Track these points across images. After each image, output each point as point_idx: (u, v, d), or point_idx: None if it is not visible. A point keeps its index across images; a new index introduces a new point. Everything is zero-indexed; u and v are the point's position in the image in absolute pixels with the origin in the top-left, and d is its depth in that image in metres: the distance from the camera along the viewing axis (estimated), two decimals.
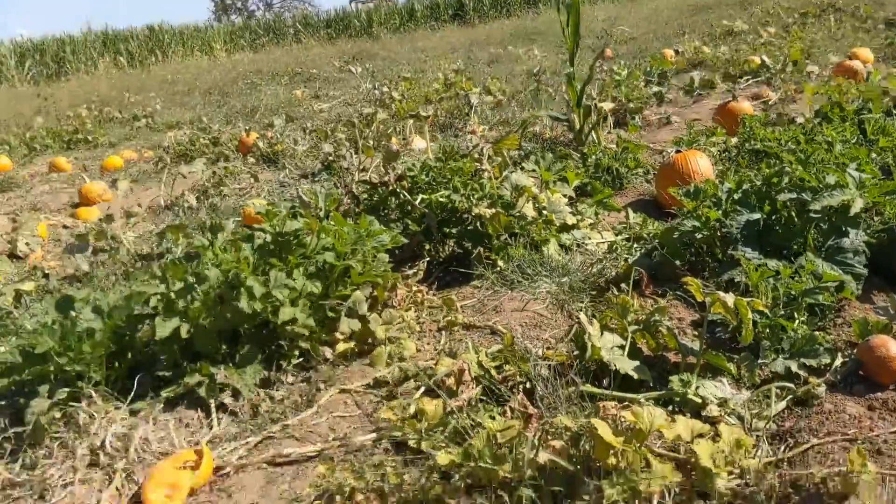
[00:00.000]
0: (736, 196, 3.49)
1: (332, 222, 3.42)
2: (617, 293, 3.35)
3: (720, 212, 3.42)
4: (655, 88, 8.27)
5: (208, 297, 3.05)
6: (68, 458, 2.70)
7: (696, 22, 15.26)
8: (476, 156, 4.68)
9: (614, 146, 5.67)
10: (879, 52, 9.44)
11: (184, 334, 2.95)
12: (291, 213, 3.31)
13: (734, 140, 5.58)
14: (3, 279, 4.44)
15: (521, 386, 2.63)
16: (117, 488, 2.56)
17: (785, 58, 8.92)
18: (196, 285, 3.05)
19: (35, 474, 2.66)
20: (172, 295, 3.04)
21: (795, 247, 3.29)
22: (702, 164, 4.55)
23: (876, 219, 3.46)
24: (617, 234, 4.28)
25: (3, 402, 3.25)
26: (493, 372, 2.69)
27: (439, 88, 10.56)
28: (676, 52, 11.02)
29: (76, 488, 2.58)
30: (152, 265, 4.57)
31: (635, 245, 4.09)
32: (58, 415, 2.90)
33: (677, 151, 4.70)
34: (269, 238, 3.18)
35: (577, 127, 5.64)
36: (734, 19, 13.84)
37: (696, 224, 3.43)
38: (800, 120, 5.70)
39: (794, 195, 3.22)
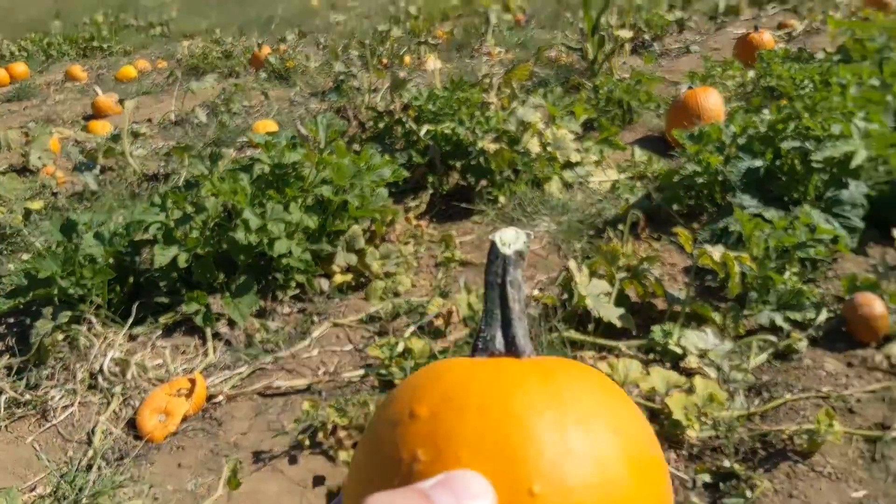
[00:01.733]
0: (740, 141, 3.45)
1: (333, 154, 3.43)
2: (612, 236, 3.36)
3: (722, 157, 3.39)
4: (678, 14, 8.06)
5: (206, 227, 3.09)
6: (69, 381, 2.81)
7: None
8: (485, 86, 4.63)
9: (628, 77, 5.57)
10: None
11: (182, 263, 3.01)
12: (291, 144, 3.32)
13: (752, 74, 5.47)
14: (14, 196, 4.51)
15: None
16: (114, 412, 2.67)
17: None
18: (194, 215, 3.09)
19: (38, 394, 2.77)
20: (171, 224, 3.09)
21: (796, 195, 3.28)
22: (712, 103, 4.48)
23: (881, 168, 3.41)
24: (621, 172, 4.26)
25: (10, 320, 3.36)
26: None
27: (457, 4, 10.34)
28: None
29: (76, 410, 2.69)
30: (158, 186, 4.62)
31: (638, 184, 4.07)
32: (60, 337, 2.99)
33: (689, 88, 4.62)
34: (266, 169, 3.20)
35: (591, 57, 5.54)
36: None
37: (697, 169, 3.40)
38: (820, 56, 5.56)
39: (798, 144, 3.18)
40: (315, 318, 3.04)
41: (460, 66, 7.41)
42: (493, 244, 0.57)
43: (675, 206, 3.48)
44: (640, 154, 4.38)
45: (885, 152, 3.18)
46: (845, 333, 2.61)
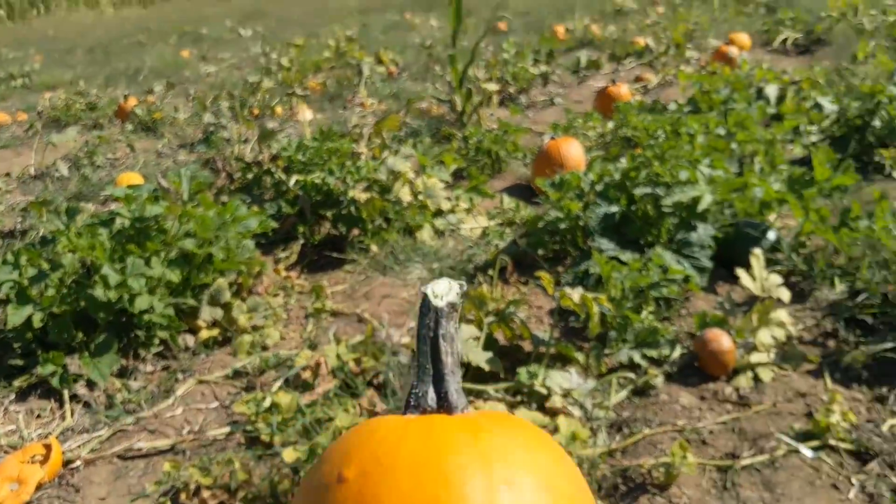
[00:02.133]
0: (598, 188, 3.62)
1: (199, 206, 3.37)
2: (482, 281, 3.44)
3: (581, 204, 3.55)
4: (543, 68, 8.40)
5: (63, 284, 2.97)
6: None
7: None
8: (355, 136, 4.68)
9: (496, 127, 5.76)
10: (757, 38, 9.86)
11: (37, 323, 2.87)
12: (153, 197, 3.24)
13: (611, 125, 5.76)
14: None
15: (377, 378, 2.68)
16: None
17: (668, 41, 9.20)
18: (50, 272, 2.96)
19: None
20: (25, 282, 2.95)
21: (650, 238, 3.46)
22: (573, 152, 4.68)
23: (727, 212, 3.65)
24: (491, 219, 4.38)
25: None
26: (352, 364, 2.73)
27: (330, 56, 10.42)
28: (567, 29, 11.21)
29: None
30: (14, 243, 4.39)
31: (507, 230, 4.19)
32: None
33: (551, 138, 4.81)
34: (127, 223, 3.11)
35: (460, 108, 5.70)
36: None
37: (559, 215, 3.54)
38: (672, 107, 5.92)
39: (649, 190, 3.37)
40: (179, 376, 2.95)
41: (333, 117, 7.45)
42: (424, 297, 0.56)
43: (540, 251, 3.60)
44: (508, 201, 4.51)
45: (729, 196, 3.41)
46: (697, 368, 2.75)
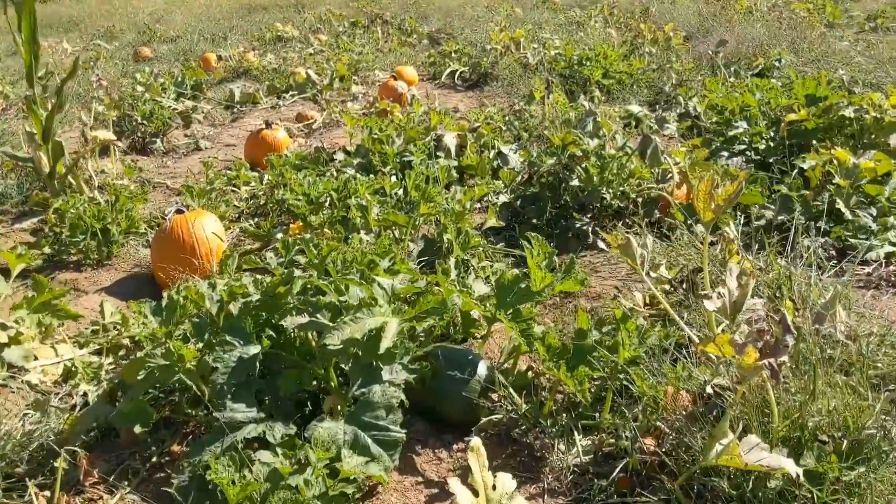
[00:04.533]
0: (231, 309, 2.36)
1: None
2: (46, 483, 2.02)
3: (203, 344, 2.26)
4: (188, 103, 6.95)
5: None
6: None
7: (249, 23, 14.17)
8: None
9: (117, 188, 4.25)
10: (424, 72, 9.25)
11: None
12: None
13: (266, 180, 4.54)
14: None
15: None
16: None
17: (332, 72, 8.22)
18: None
19: None
20: None
21: (311, 387, 2.28)
22: (209, 232, 3.38)
23: (420, 328, 2.57)
24: (83, 346, 2.92)
25: None
26: None
27: None
28: (220, 57, 9.80)
29: None
30: None
31: (107, 363, 2.77)
32: None
33: (177, 211, 3.47)
34: None
35: (47, 170, 4.08)
36: (287, 23, 13.07)
37: (167, 363, 2.22)
38: (340, 157, 4.85)
39: (306, 319, 2.18)
40: None
41: None
42: None
43: (139, 428, 2.24)
44: (111, 311, 3.08)
45: (421, 323, 2.33)
46: None
